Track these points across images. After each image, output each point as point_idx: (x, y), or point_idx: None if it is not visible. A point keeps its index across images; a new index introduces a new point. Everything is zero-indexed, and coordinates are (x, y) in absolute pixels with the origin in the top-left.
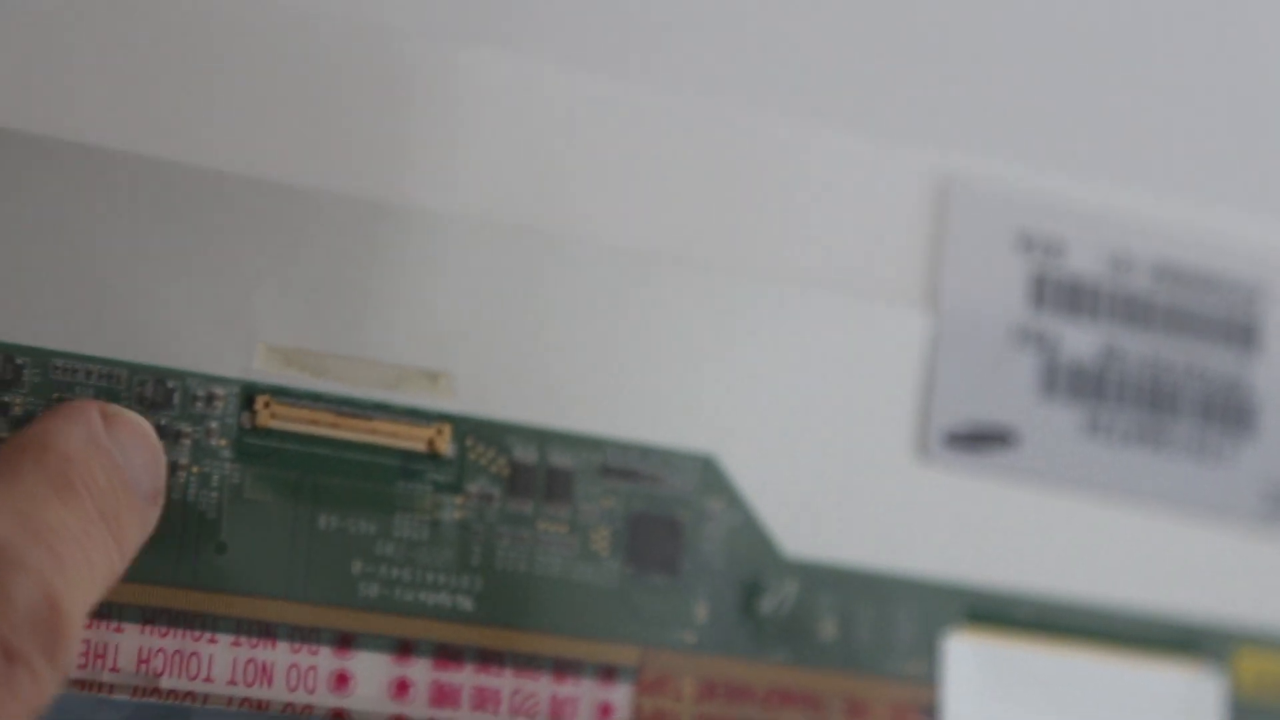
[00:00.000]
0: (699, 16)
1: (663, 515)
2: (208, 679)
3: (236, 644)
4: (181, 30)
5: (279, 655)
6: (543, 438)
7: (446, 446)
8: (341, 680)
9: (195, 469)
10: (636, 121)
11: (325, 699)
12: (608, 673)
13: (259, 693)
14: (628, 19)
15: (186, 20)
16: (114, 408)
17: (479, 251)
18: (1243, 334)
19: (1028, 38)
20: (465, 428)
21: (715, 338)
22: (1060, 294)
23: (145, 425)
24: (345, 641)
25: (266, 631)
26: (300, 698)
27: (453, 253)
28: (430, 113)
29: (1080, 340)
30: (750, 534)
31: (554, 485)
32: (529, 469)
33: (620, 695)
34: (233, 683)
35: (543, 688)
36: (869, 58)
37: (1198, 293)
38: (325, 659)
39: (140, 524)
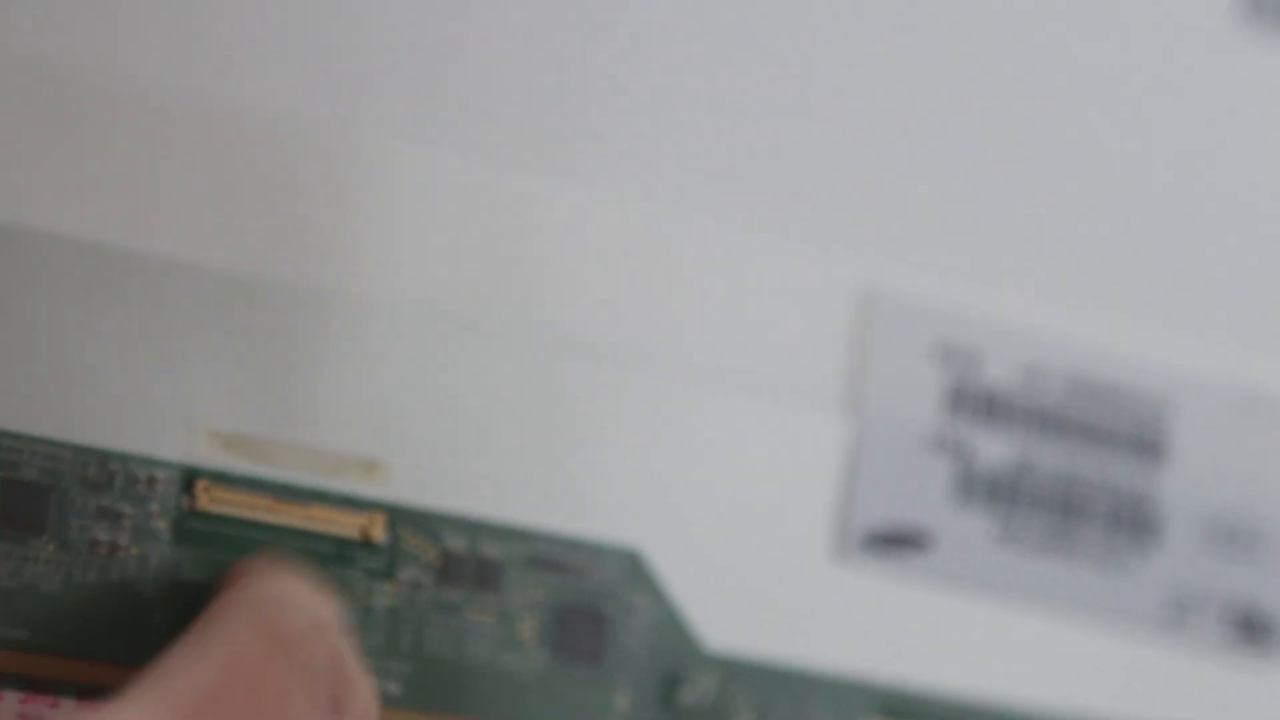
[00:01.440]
0: (631, 121)
1: (587, 607)
2: None
3: None
4: (127, 119)
5: None
6: (474, 528)
7: (380, 534)
8: None
9: (135, 550)
10: (568, 220)
11: None
12: None
13: None
14: (561, 122)
15: (133, 109)
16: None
17: (417, 342)
18: (1150, 447)
19: (956, 152)
20: (398, 516)
21: (643, 435)
22: (976, 404)
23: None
24: None
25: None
26: None
27: (392, 343)
28: (372, 205)
29: (994, 449)
30: (671, 627)
31: (483, 575)
32: (460, 559)
33: None
34: None
35: None
36: (796, 166)
37: (1107, 406)
38: None
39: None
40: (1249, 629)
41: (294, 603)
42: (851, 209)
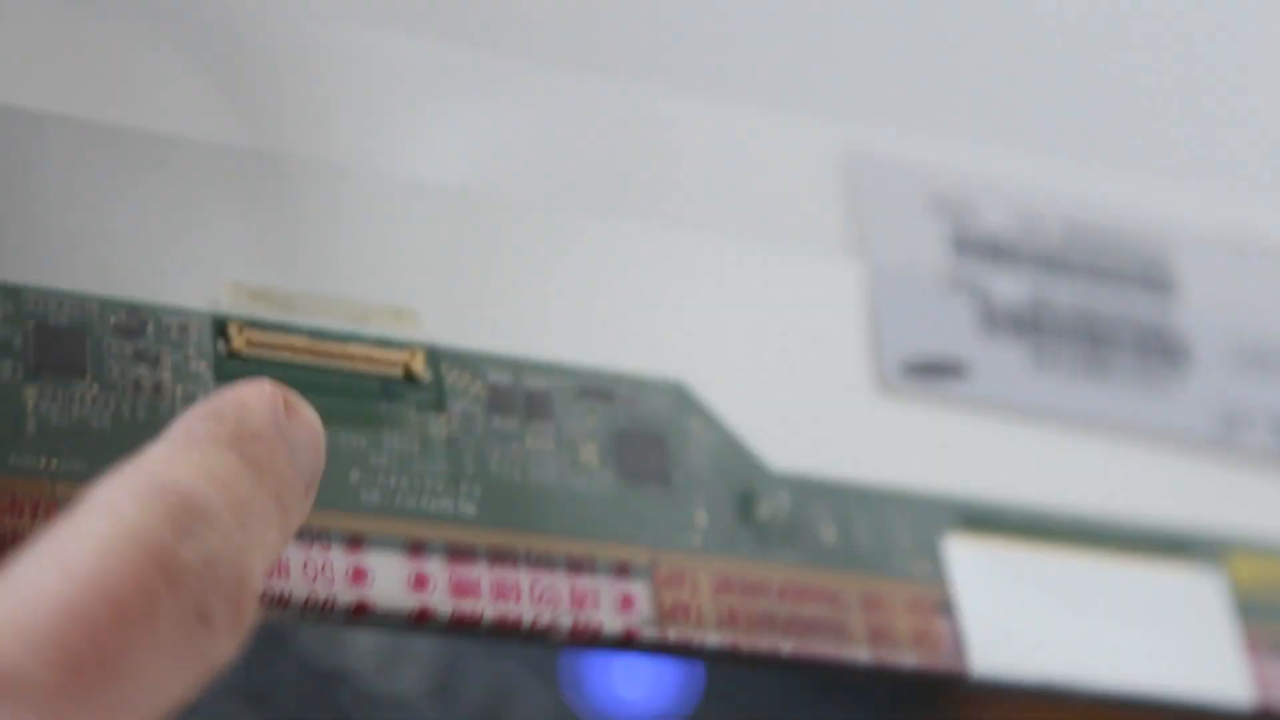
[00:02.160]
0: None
1: (645, 432)
2: None
3: None
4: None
5: (290, 552)
6: (517, 365)
7: (422, 369)
8: (358, 575)
9: (180, 389)
10: (574, 105)
11: (345, 592)
12: (622, 568)
13: (277, 585)
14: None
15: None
16: (294, 397)
17: (441, 205)
18: (1159, 283)
19: (933, 13)
20: (439, 355)
21: (670, 280)
22: (981, 249)
23: (317, 421)
24: (355, 542)
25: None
26: (321, 589)
27: (417, 205)
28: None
29: (1008, 288)
30: (733, 451)
31: (534, 405)
32: (507, 391)
33: (639, 588)
34: None
35: (560, 580)
36: (774, 32)
37: (1108, 247)
38: (338, 556)
39: (298, 517)
40: None
41: (200, 516)
42: (835, 75)
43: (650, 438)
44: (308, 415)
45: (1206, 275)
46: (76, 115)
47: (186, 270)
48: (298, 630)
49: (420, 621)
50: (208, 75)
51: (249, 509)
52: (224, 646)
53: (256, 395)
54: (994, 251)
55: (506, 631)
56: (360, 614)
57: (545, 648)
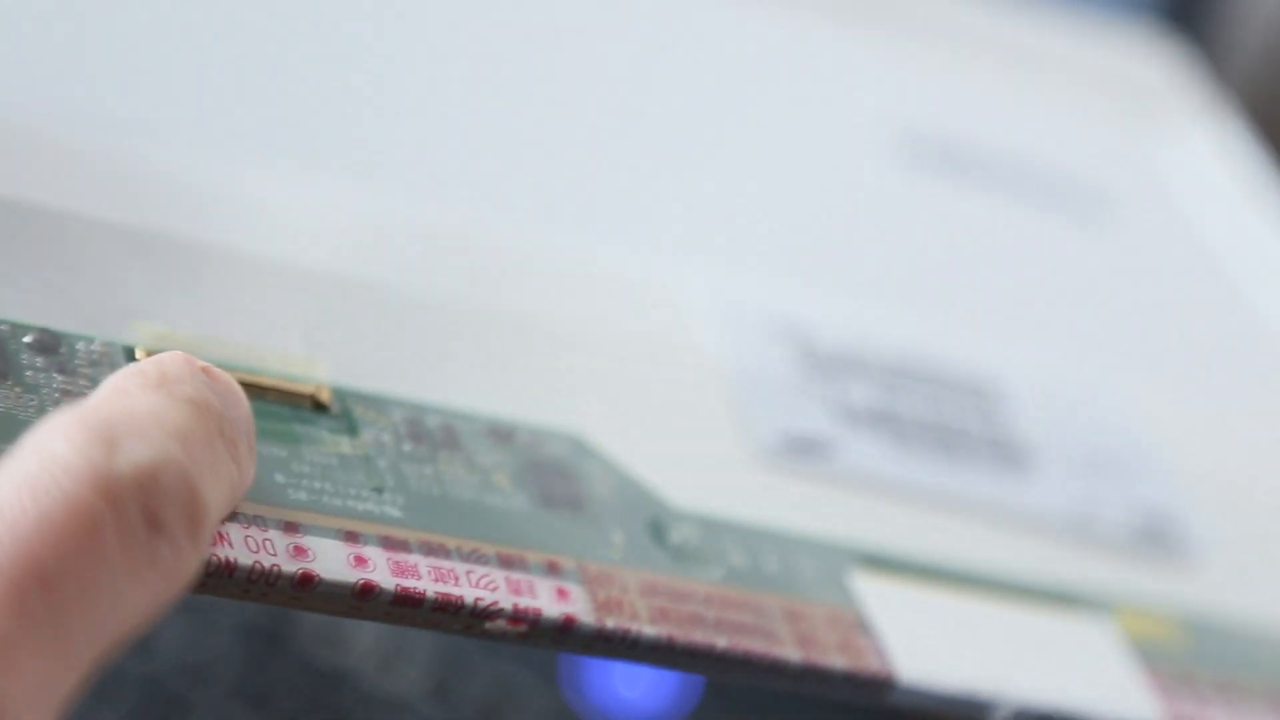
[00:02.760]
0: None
1: (552, 466)
2: None
3: None
4: None
5: (232, 529)
6: (419, 408)
7: (329, 399)
8: (299, 551)
9: None
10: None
11: (289, 563)
12: (552, 567)
13: (222, 551)
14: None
15: None
16: (205, 363)
17: (340, 246)
18: (994, 395)
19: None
20: (343, 394)
21: (555, 344)
22: (828, 363)
23: (232, 379)
24: (292, 528)
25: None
26: (264, 559)
27: (311, 248)
28: None
29: (861, 392)
30: (636, 490)
31: (442, 437)
32: (415, 422)
33: (572, 585)
34: None
35: (495, 570)
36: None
37: (941, 368)
38: (277, 536)
39: (249, 464)
40: (1152, 528)
41: (130, 433)
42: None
43: (557, 471)
44: (225, 375)
45: (1032, 395)
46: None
47: (95, 314)
48: (298, 630)
49: (364, 597)
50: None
51: (187, 432)
52: (183, 551)
53: (171, 355)
54: (841, 366)
55: (449, 613)
56: (305, 585)
57: (485, 640)
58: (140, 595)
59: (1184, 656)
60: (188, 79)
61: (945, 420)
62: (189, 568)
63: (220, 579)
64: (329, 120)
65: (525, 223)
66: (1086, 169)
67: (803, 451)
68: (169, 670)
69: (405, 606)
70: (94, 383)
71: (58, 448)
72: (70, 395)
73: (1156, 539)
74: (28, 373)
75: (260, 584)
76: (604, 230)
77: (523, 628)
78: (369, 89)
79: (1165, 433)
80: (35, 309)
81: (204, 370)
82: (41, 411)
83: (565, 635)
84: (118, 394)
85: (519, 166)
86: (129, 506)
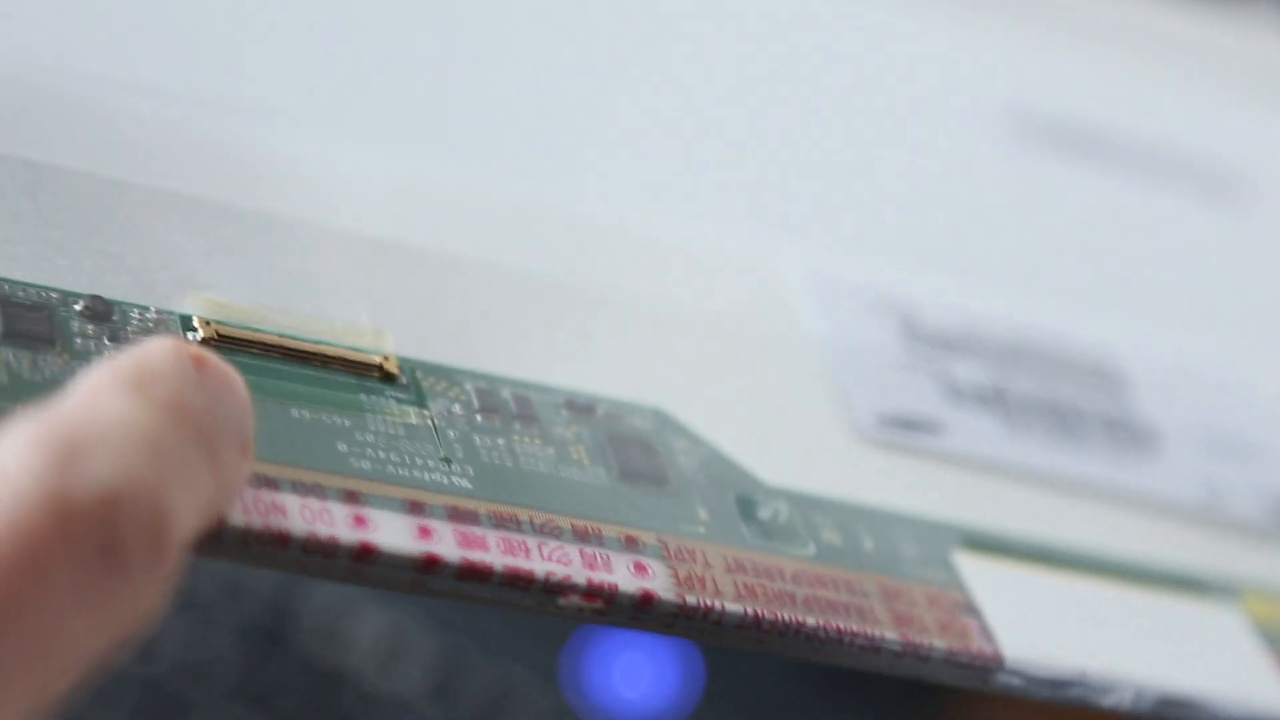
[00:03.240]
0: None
1: (634, 438)
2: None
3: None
4: None
5: (287, 498)
6: (493, 379)
7: (396, 370)
8: (360, 521)
9: None
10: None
11: (348, 534)
12: (630, 542)
13: (277, 522)
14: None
15: None
16: (203, 352)
17: (412, 222)
18: (1112, 379)
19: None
20: (412, 365)
21: (641, 320)
22: (932, 340)
23: (233, 371)
24: (352, 497)
25: (268, 482)
26: (321, 529)
27: (387, 222)
28: None
29: (967, 372)
30: (723, 465)
31: (517, 410)
32: (488, 393)
33: (650, 560)
34: (247, 512)
35: (569, 544)
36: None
37: (1056, 348)
38: (336, 506)
39: (234, 470)
40: None
41: (93, 449)
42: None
43: (640, 444)
44: (220, 365)
45: (1155, 377)
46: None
47: (152, 284)
48: (298, 630)
49: (428, 570)
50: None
51: (159, 444)
52: (143, 584)
53: (156, 345)
54: (945, 344)
55: (518, 588)
56: (365, 557)
57: (560, 617)
58: (91, 632)
59: None
60: (250, 47)
61: (1061, 400)
62: (149, 600)
63: (274, 549)
64: (398, 89)
65: (615, 197)
66: (1213, 147)
67: (905, 428)
68: (169, 670)
69: (472, 581)
70: None
71: (9, 462)
72: None
73: None
74: (77, 340)
75: (317, 555)
76: (701, 205)
77: (598, 604)
78: (443, 56)
79: None
80: (88, 278)
81: (195, 360)
82: None
83: (643, 612)
84: (88, 395)
85: (606, 140)
86: (83, 533)
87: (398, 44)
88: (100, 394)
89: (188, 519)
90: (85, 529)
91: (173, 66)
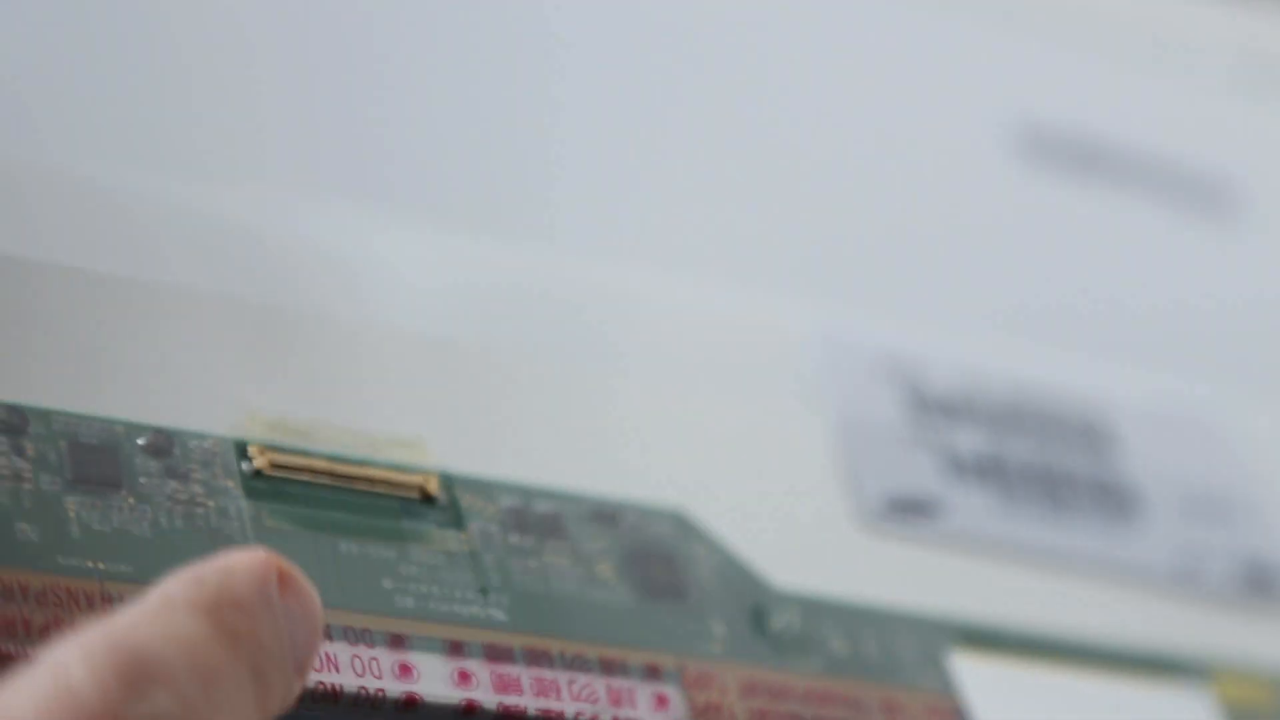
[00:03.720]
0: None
1: (655, 551)
2: None
3: None
4: None
5: (338, 649)
6: (525, 491)
7: (438, 490)
8: (405, 670)
9: (211, 503)
10: (563, 285)
11: (394, 685)
12: (652, 670)
13: (329, 678)
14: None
15: None
16: (291, 569)
17: (440, 322)
18: (1104, 440)
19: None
20: (451, 480)
21: (658, 424)
22: (936, 408)
23: (315, 596)
24: (398, 642)
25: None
26: (370, 682)
27: (413, 327)
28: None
29: (968, 441)
30: (738, 570)
31: (548, 525)
32: (521, 510)
33: (670, 689)
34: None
35: (596, 680)
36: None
37: (1051, 408)
38: (383, 653)
39: (283, 694)
40: (1258, 577)
41: (158, 678)
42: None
43: (660, 556)
44: (303, 587)
45: (1144, 435)
46: (94, 269)
47: (206, 403)
48: None
49: (468, 715)
50: (230, 241)
51: (216, 677)
52: None
53: (246, 562)
54: (948, 410)
55: None
56: (410, 707)
57: None
58: None
59: None
60: (266, 128)
61: (1053, 464)
62: None
63: (326, 704)
64: (417, 163)
65: (585, 254)
66: (1222, 164)
67: (909, 512)
68: None
69: None
70: (208, 489)
71: (76, 672)
72: (183, 501)
73: (1263, 587)
74: (140, 480)
75: (365, 707)
76: (684, 257)
77: None
78: (460, 135)
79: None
80: (147, 406)
81: (283, 580)
82: (156, 527)
83: None
84: (163, 612)
85: (578, 193)
86: None
87: (426, 120)
88: (176, 612)
89: None
90: None
91: (187, 153)
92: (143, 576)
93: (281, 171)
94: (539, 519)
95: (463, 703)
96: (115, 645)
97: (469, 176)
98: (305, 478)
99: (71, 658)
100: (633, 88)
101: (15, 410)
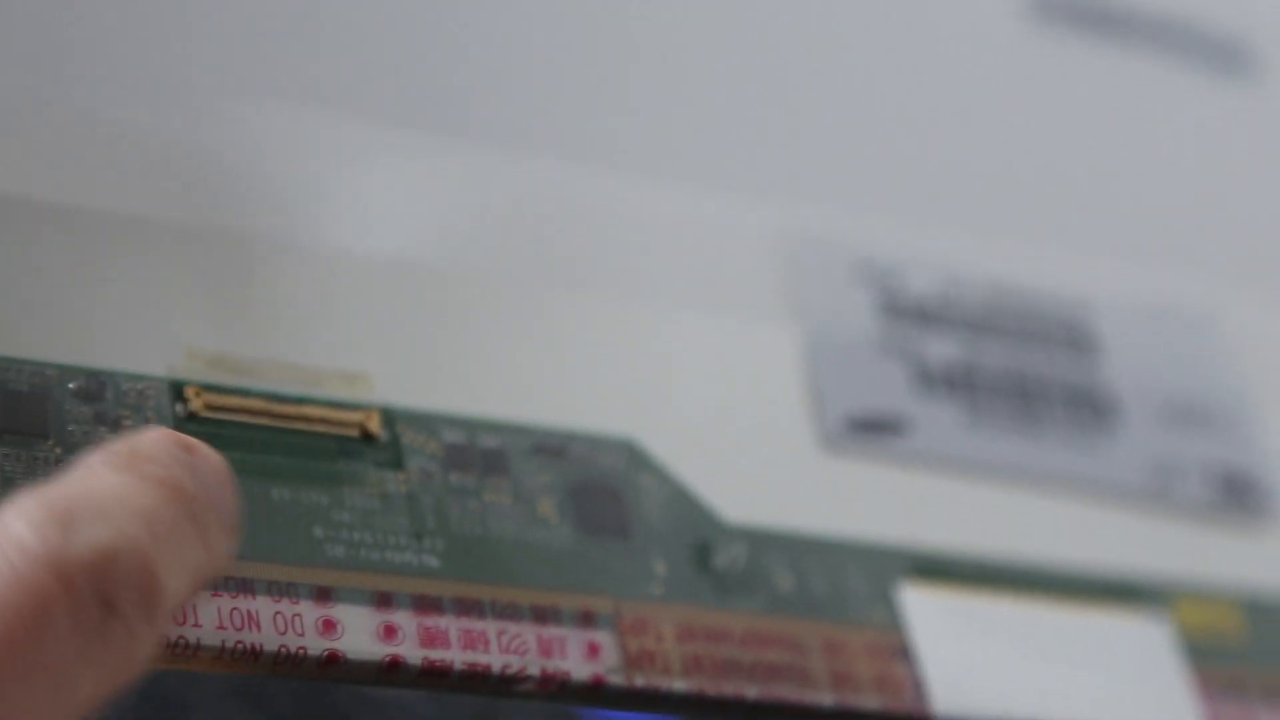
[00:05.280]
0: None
1: (600, 486)
2: (196, 625)
3: (217, 595)
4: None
5: (261, 605)
6: (470, 424)
7: (378, 429)
8: (329, 625)
9: None
10: (523, 187)
11: (316, 643)
12: (586, 617)
13: (249, 637)
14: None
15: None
16: (192, 440)
17: (392, 270)
18: (1084, 344)
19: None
20: (393, 416)
21: (616, 344)
22: (909, 314)
23: (219, 458)
24: (324, 595)
25: (244, 587)
26: (291, 640)
27: (367, 271)
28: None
29: (939, 349)
30: (686, 504)
31: (490, 462)
32: (463, 448)
33: (604, 636)
34: (221, 628)
35: (527, 630)
36: (709, 115)
37: (1032, 309)
38: (307, 609)
39: (222, 542)
40: (1232, 491)
41: (91, 515)
42: (768, 161)
43: (605, 491)
44: (208, 451)
45: (1128, 338)
46: (34, 197)
47: (143, 340)
48: None
49: (391, 671)
50: (164, 157)
51: (150, 513)
52: (138, 634)
53: (149, 432)
54: (922, 316)
55: (476, 680)
56: (331, 664)
57: (512, 698)
58: (90, 676)
59: (1241, 650)
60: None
61: (1027, 371)
62: (143, 650)
63: (246, 662)
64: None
65: (532, 159)
66: (1238, 25)
67: (873, 431)
68: (169, 670)
69: (432, 676)
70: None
71: (14, 528)
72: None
73: (1236, 501)
74: (70, 427)
75: (286, 664)
76: (636, 158)
77: (551, 689)
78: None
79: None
80: (81, 346)
81: (188, 448)
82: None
83: (594, 694)
84: (85, 473)
85: (532, 91)
86: (82, 588)
87: (364, 25)
88: (96, 471)
89: (178, 580)
90: (84, 583)
91: (108, 63)
92: None
93: (215, 81)
94: (482, 455)
95: (386, 659)
96: (46, 497)
97: (409, 84)
98: (242, 418)
99: (6, 516)
100: None
101: None
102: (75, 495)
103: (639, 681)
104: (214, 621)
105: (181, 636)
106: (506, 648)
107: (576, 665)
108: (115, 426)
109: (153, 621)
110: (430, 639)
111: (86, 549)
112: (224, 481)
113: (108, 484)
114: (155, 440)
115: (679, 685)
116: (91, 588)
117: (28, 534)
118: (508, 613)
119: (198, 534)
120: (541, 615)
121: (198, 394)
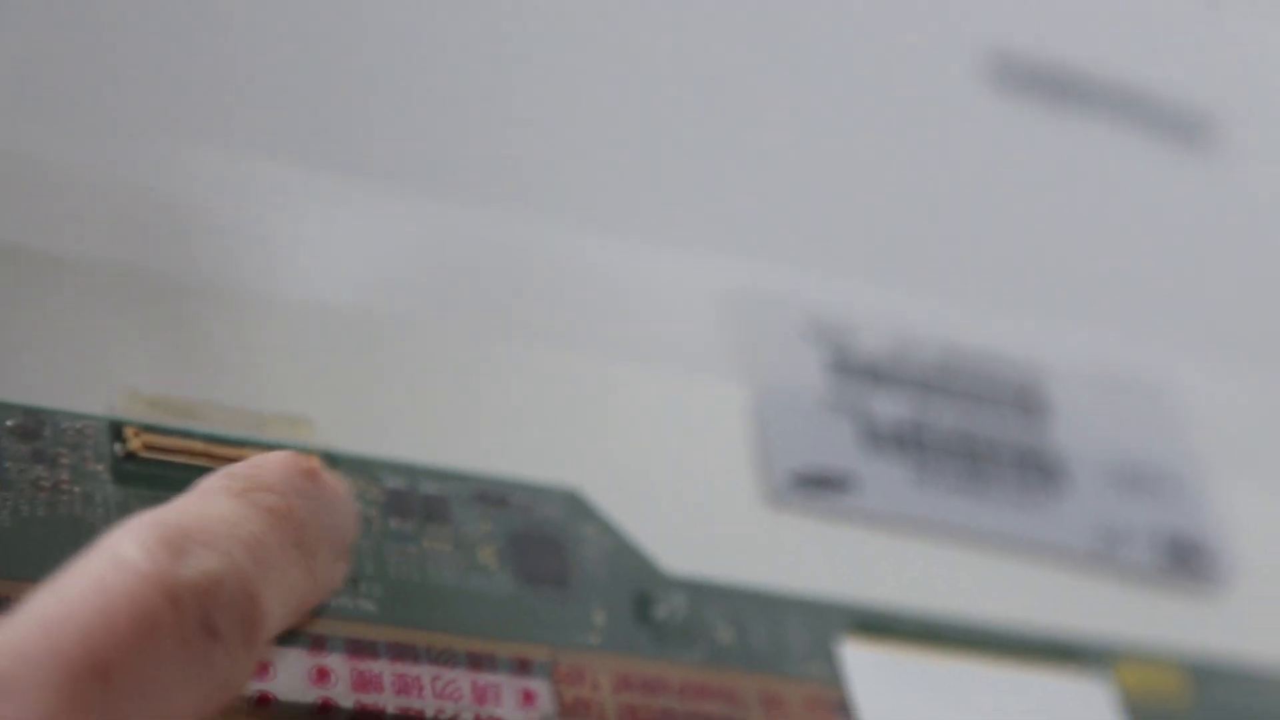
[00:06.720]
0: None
1: (541, 536)
2: None
3: None
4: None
5: None
6: (411, 470)
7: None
8: (262, 667)
9: (77, 489)
10: (478, 237)
11: (248, 685)
12: (522, 665)
13: None
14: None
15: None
16: (318, 465)
17: (340, 316)
18: (1034, 407)
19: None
20: (334, 461)
21: (564, 398)
22: (859, 372)
23: (343, 485)
24: None
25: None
26: None
27: (317, 318)
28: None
29: (889, 408)
30: (628, 555)
31: (431, 509)
32: (404, 494)
33: (539, 685)
34: None
35: (461, 676)
36: (665, 171)
37: (983, 371)
38: None
39: (331, 571)
40: (1178, 556)
41: (200, 542)
42: (723, 217)
43: (547, 540)
44: (332, 479)
45: (1078, 401)
46: None
47: (83, 379)
48: None
49: (322, 715)
50: (112, 201)
51: (260, 545)
52: (237, 659)
53: (274, 457)
54: (873, 375)
55: None
56: (262, 706)
57: None
58: (191, 695)
59: (1183, 714)
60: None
61: (977, 432)
62: (242, 673)
63: None
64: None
65: (479, 213)
66: (1195, 95)
67: (818, 487)
68: None
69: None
70: (75, 474)
71: (128, 551)
72: (46, 488)
73: (1181, 566)
74: (6, 464)
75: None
76: (587, 211)
77: None
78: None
79: (1228, 433)
80: (19, 384)
81: (308, 474)
82: (16, 515)
83: None
84: (201, 497)
85: (482, 142)
86: (189, 612)
87: (316, 76)
88: (210, 496)
89: (278, 608)
90: (191, 607)
91: (58, 104)
92: (2, 568)
93: (160, 125)
94: (423, 501)
95: (318, 701)
96: (159, 522)
97: (354, 133)
98: (182, 459)
99: (120, 538)
100: (530, 29)
101: None
102: (187, 520)
103: None
104: None
105: None
106: (441, 693)
107: (511, 712)
108: (53, 465)
109: (252, 647)
110: (363, 683)
111: (195, 575)
112: (340, 509)
113: (219, 509)
114: (275, 466)
115: None
116: (198, 612)
117: (141, 557)
118: (443, 659)
119: (304, 562)
120: (477, 662)
121: (136, 434)
